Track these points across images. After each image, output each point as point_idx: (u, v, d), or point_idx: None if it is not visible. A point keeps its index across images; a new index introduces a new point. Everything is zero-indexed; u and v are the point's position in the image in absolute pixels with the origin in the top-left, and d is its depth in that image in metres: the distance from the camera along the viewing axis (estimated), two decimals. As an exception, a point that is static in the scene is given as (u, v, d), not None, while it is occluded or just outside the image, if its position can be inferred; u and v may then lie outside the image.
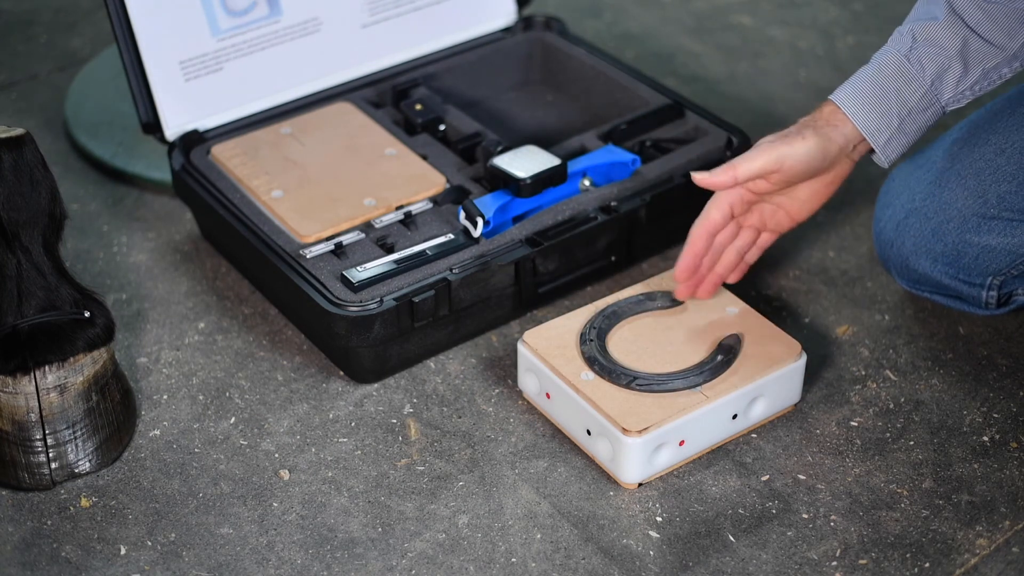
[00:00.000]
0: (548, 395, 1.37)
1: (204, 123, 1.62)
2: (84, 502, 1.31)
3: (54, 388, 1.30)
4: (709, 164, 1.57)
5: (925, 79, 1.33)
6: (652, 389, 1.32)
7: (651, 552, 1.26)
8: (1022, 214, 1.39)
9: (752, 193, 1.37)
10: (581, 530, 1.28)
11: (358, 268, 1.43)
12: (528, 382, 1.39)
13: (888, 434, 1.38)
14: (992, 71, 1.34)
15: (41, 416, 1.31)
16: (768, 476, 1.33)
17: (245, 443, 1.38)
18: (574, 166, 1.53)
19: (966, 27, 1.32)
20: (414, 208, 1.51)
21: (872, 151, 1.36)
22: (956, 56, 1.33)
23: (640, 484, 1.32)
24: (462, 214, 1.47)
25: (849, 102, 1.34)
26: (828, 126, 1.35)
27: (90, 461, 1.34)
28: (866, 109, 1.34)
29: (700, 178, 1.36)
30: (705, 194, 1.38)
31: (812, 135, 1.34)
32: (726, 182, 1.35)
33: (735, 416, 1.34)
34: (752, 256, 1.43)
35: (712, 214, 1.37)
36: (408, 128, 1.65)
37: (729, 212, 1.37)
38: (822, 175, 1.37)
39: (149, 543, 1.28)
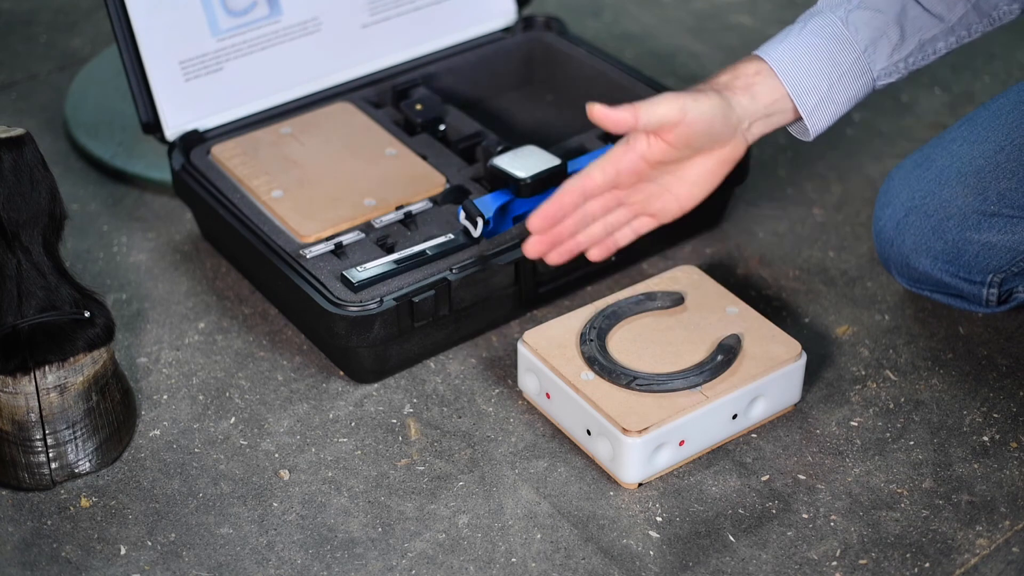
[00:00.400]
0: (548, 395, 1.37)
1: (204, 123, 1.62)
2: (84, 502, 1.31)
3: (54, 388, 1.30)
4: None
5: (859, 43, 1.28)
6: (652, 389, 1.32)
7: (651, 552, 1.26)
8: (1022, 211, 1.39)
9: (644, 161, 1.27)
10: (581, 530, 1.28)
11: (358, 268, 1.43)
12: (528, 382, 1.39)
13: (888, 434, 1.38)
14: (928, 43, 1.30)
15: (41, 416, 1.31)
16: (768, 476, 1.33)
17: (245, 443, 1.38)
18: (574, 166, 1.53)
19: None
20: (414, 208, 1.51)
21: (783, 126, 1.30)
22: (893, 21, 1.28)
23: (640, 484, 1.32)
24: (462, 214, 1.47)
25: (780, 61, 1.27)
26: (737, 90, 1.27)
27: (90, 461, 1.34)
28: (796, 68, 1.27)
29: (599, 111, 1.24)
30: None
31: (716, 96, 1.26)
32: (625, 119, 1.24)
33: (735, 416, 1.34)
34: (624, 238, 1.33)
35: (593, 173, 1.27)
36: (408, 128, 1.65)
37: (614, 176, 1.27)
38: (716, 149, 1.28)
39: (149, 543, 1.28)
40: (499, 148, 1.56)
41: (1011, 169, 1.39)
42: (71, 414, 1.32)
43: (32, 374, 1.29)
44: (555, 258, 1.30)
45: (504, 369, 1.46)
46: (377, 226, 1.49)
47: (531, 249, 1.29)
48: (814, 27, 1.29)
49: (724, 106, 1.26)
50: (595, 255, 1.32)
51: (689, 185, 1.30)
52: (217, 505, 1.31)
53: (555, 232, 1.28)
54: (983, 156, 1.41)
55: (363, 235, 1.48)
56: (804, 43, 1.28)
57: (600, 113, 1.24)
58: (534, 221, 1.27)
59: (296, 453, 1.36)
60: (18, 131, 1.30)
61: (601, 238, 1.31)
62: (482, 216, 1.45)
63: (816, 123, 1.30)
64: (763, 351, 1.36)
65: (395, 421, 1.40)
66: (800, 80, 1.27)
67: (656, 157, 1.27)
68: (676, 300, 1.42)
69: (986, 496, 1.31)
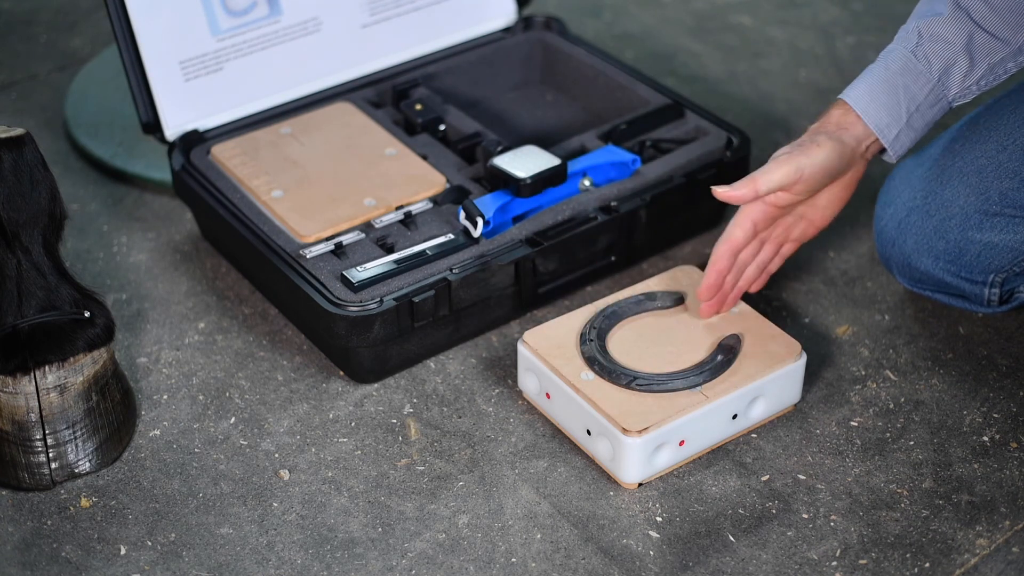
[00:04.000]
0: (548, 395, 1.37)
1: (204, 123, 1.62)
2: (84, 502, 1.31)
3: (54, 388, 1.30)
4: (709, 164, 1.57)
5: (932, 74, 1.34)
6: (652, 389, 1.32)
7: (651, 552, 1.26)
8: (1024, 211, 1.39)
9: (774, 207, 1.37)
10: (581, 530, 1.28)
11: (358, 268, 1.43)
12: (528, 382, 1.39)
13: (888, 434, 1.38)
14: (998, 65, 1.35)
15: (41, 416, 1.31)
16: (768, 476, 1.33)
17: (245, 443, 1.38)
18: (574, 166, 1.53)
19: (971, 21, 1.33)
20: (414, 208, 1.51)
21: (883, 148, 1.37)
22: (962, 51, 1.34)
23: (640, 484, 1.32)
24: (462, 214, 1.47)
25: (860, 101, 1.35)
26: (840, 129, 1.35)
27: (90, 461, 1.34)
28: (876, 106, 1.35)
29: (721, 192, 1.34)
30: (707, 195, 1.38)
31: (826, 140, 1.34)
32: (747, 195, 1.34)
33: (735, 416, 1.34)
34: (774, 266, 1.44)
35: (735, 233, 1.37)
36: (408, 128, 1.65)
37: (752, 230, 1.38)
38: (840, 178, 1.38)
39: (149, 543, 1.28)
40: (499, 148, 1.56)
41: (1013, 169, 1.40)
42: (71, 414, 1.32)
43: (32, 374, 1.29)
44: (726, 309, 1.41)
45: (504, 369, 1.46)
46: (377, 226, 1.49)
47: (705, 313, 1.40)
48: (889, 63, 1.36)
49: (838, 148, 1.35)
50: (755, 289, 1.45)
51: (821, 210, 1.42)
52: (217, 505, 1.31)
53: (721, 293, 1.40)
54: (985, 156, 1.41)
55: (363, 235, 1.48)
56: (880, 80, 1.35)
57: (723, 193, 1.35)
58: (703, 294, 1.38)
59: (296, 453, 1.36)
60: (18, 131, 1.30)
61: (757, 276, 1.44)
62: (482, 216, 1.45)
63: (899, 149, 1.38)
64: (763, 351, 1.36)
65: (395, 421, 1.40)
66: (880, 116, 1.35)
67: (784, 203, 1.37)
68: (676, 300, 1.42)
69: (986, 496, 1.31)
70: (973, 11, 1.33)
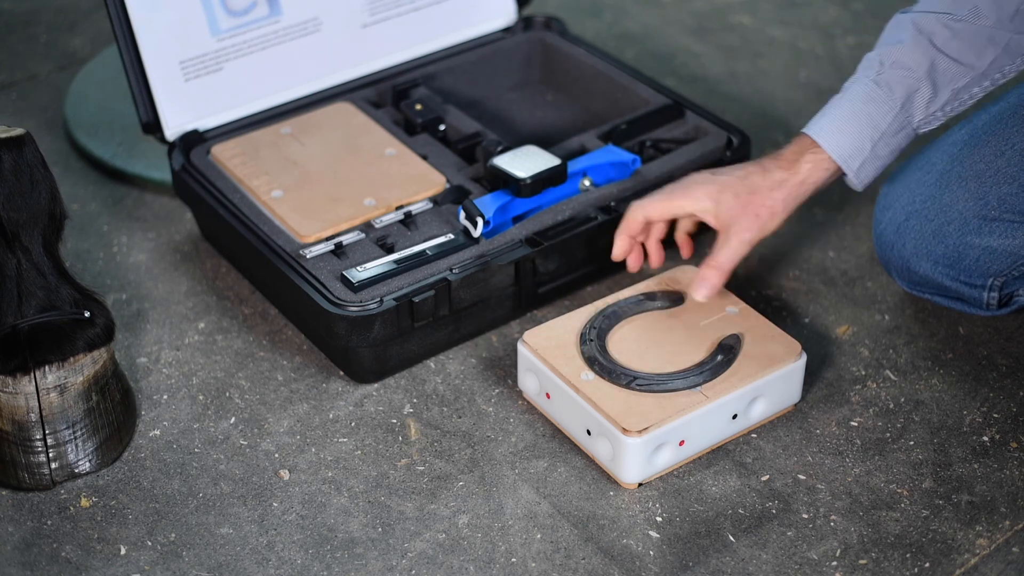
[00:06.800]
0: (548, 395, 1.37)
1: (204, 123, 1.62)
2: (84, 502, 1.31)
3: (54, 388, 1.30)
4: (709, 164, 1.57)
5: (895, 102, 1.34)
6: (652, 389, 1.32)
7: (651, 552, 1.26)
8: (1023, 215, 1.39)
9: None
10: (581, 530, 1.28)
11: (358, 268, 1.43)
12: (528, 382, 1.39)
13: (888, 434, 1.38)
14: (962, 91, 1.35)
15: (41, 416, 1.31)
16: (768, 476, 1.33)
17: (245, 443, 1.38)
18: (574, 166, 1.53)
19: (933, 48, 1.33)
20: (414, 208, 1.51)
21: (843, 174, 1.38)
22: (924, 77, 1.33)
23: (640, 484, 1.32)
24: (462, 214, 1.47)
25: (823, 133, 1.35)
26: (788, 169, 1.36)
27: (90, 461, 1.34)
28: (838, 136, 1.35)
29: (704, 295, 1.40)
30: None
31: (792, 205, 1.37)
32: (719, 285, 1.40)
33: (735, 416, 1.34)
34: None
35: (631, 227, 1.44)
36: (408, 128, 1.65)
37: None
38: None
39: (149, 543, 1.28)
40: (499, 148, 1.56)
41: (1012, 174, 1.39)
42: (71, 414, 1.32)
43: (32, 374, 1.29)
44: (654, 263, 1.49)
45: (504, 369, 1.46)
46: (377, 226, 1.49)
47: (632, 267, 1.48)
48: (852, 94, 1.36)
49: (790, 210, 1.39)
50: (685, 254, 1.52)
51: None
52: (217, 505, 1.31)
53: (637, 251, 1.48)
54: (983, 160, 1.41)
55: (363, 235, 1.48)
56: (844, 110, 1.36)
57: (707, 295, 1.40)
58: (616, 258, 1.47)
59: (296, 453, 1.36)
60: (18, 131, 1.30)
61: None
62: (482, 216, 1.45)
63: (864, 178, 1.38)
64: (763, 351, 1.36)
65: (395, 421, 1.40)
66: (843, 146, 1.35)
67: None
68: (676, 300, 1.42)
69: (986, 496, 1.31)
70: (935, 37, 1.33)
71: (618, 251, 1.45)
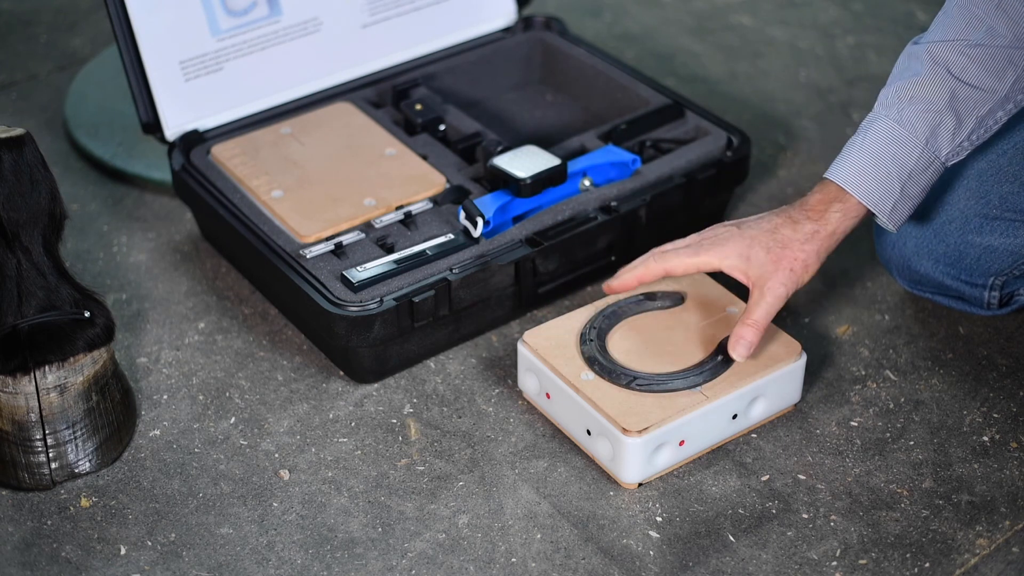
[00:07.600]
0: (548, 395, 1.37)
1: (204, 123, 1.62)
2: (84, 502, 1.31)
3: (54, 388, 1.30)
4: (709, 164, 1.57)
5: (919, 139, 1.30)
6: (652, 389, 1.32)
7: (651, 552, 1.26)
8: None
9: None
10: (581, 530, 1.28)
11: (358, 268, 1.43)
12: (528, 382, 1.39)
13: (888, 434, 1.38)
14: (987, 117, 1.30)
15: (41, 416, 1.31)
16: (768, 476, 1.33)
17: (245, 443, 1.38)
18: (574, 166, 1.53)
19: (951, 76, 1.29)
20: (414, 208, 1.51)
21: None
22: (946, 109, 1.29)
23: (640, 484, 1.32)
24: (462, 214, 1.47)
25: (851, 180, 1.31)
26: (818, 220, 1.32)
27: (90, 461, 1.34)
28: (865, 181, 1.31)
29: (743, 353, 1.34)
30: (707, 195, 1.38)
31: (814, 265, 1.33)
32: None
33: (735, 416, 1.34)
34: None
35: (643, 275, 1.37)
36: (408, 128, 1.65)
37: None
38: None
39: (149, 543, 1.28)
40: (499, 148, 1.56)
41: (1012, 173, 1.39)
42: (71, 414, 1.32)
43: (32, 374, 1.29)
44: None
45: (504, 369, 1.46)
46: (377, 226, 1.49)
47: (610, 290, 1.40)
48: (873, 134, 1.31)
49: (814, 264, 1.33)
50: None
51: None
52: (217, 505, 1.31)
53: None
54: (984, 159, 1.41)
55: (363, 235, 1.48)
56: (867, 153, 1.31)
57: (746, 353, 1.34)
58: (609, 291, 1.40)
59: (296, 453, 1.36)
60: (18, 131, 1.30)
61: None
62: (482, 216, 1.45)
63: (897, 219, 1.33)
64: (763, 351, 1.36)
65: (395, 421, 1.40)
66: (872, 191, 1.31)
67: None
68: (676, 300, 1.42)
69: (986, 496, 1.31)
70: (952, 66, 1.29)
71: (619, 288, 1.38)
